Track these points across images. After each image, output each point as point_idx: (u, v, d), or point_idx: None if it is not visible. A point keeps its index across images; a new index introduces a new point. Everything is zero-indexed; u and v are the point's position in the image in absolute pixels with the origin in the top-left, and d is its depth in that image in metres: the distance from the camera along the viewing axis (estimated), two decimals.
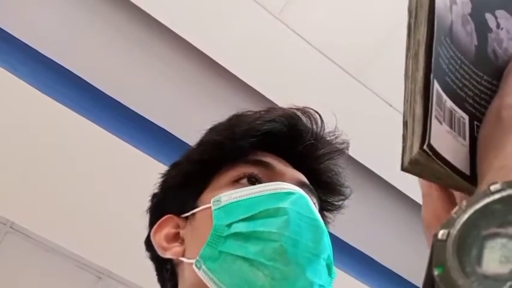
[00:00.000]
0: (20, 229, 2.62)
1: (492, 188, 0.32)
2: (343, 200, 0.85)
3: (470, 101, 0.40)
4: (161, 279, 0.80)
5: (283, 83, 1.84)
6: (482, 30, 0.41)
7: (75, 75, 1.69)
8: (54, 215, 2.49)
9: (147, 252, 0.81)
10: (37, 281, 2.65)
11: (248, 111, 0.82)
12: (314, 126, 0.81)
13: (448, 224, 0.31)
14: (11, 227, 2.61)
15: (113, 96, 1.73)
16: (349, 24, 1.82)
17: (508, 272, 0.28)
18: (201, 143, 0.81)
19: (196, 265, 0.69)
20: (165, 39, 1.79)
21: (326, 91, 1.83)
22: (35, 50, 1.65)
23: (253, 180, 0.75)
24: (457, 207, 0.32)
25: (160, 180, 0.83)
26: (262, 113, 0.80)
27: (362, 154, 1.84)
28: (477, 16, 0.42)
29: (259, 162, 0.77)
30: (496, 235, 0.29)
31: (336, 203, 0.84)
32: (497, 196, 0.31)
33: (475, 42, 0.41)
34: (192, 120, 1.81)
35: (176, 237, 0.76)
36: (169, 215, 0.78)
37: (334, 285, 0.74)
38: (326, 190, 0.83)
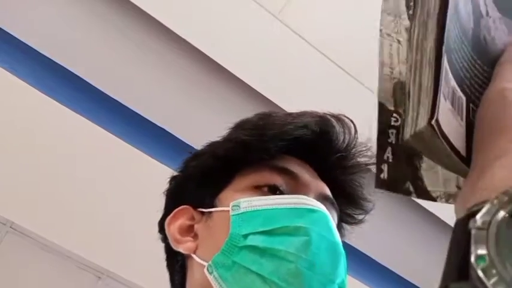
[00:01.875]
0: (20, 229, 2.61)
1: None
2: (365, 214, 0.82)
3: (468, 82, 0.39)
4: (170, 268, 0.79)
5: (283, 83, 1.84)
6: (476, 14, 0.41)
7: (76, 75, 1.69)
8: (54, 215, 2.50)
9: (158, 234, 0.79)
10: (37, 280, 2.65)
11: (278, 112, 0.79)
12: (347, 136, 0.78)
13: (488, 213, 0.30)
14: (11, 227, 2.61)
15: (113, 97, 1.73)
16: (349, 24, 1.82)
17: None
18: (228, 140, 0.78)
19: (208, 269, 0.68)
20: (164, 39, 1.79)
21: (326, 91, 1.83)
22: (34, 50, 1.65)
23: (275, 190, 0.73)
24: (496, 195, 0.31)
25: (181, 165, 0.81)
26: (294, 116, 0.77)
27: None
28: None
29: (284, 171, 0.74)
30: None
31: (355, 216, 0.82)
32: None
33: (472, 24, 0.40)
34: (192, 120, 1.81)
35: (190, 230, 0.75)
36: (185, 206, 0.77)
37: None
38: (349, 202, 0.80)
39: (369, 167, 0.80)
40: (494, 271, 0.28)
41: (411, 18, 0.39)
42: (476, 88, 0.40)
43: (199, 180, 0.77)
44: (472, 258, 0.29)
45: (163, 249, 0.79)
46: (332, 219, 0.72)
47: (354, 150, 0.79)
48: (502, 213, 0.29)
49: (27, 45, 1.65)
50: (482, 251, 0.29)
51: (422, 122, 0.36)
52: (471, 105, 0.39)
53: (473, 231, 0.30)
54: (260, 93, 1.83)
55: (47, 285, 2.68)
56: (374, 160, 0.77)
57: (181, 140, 1.72)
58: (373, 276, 2.07)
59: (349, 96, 1.84)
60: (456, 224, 0.32)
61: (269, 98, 1.81)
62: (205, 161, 0.78)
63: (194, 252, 0.72)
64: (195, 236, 0.74)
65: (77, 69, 1.70)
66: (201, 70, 1.84)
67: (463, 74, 0.39)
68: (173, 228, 0.76)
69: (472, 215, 0.31)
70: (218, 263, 0.68)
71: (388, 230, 2.07)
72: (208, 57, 1.81)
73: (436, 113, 0.35)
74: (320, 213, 0.70)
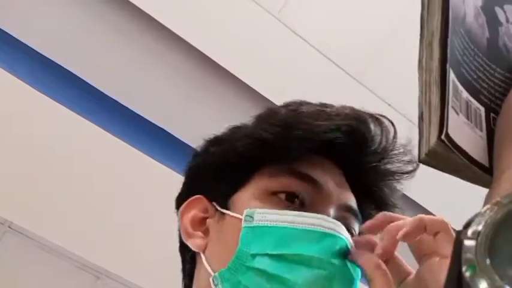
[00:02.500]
0: (19, 229, 2.61)
1: None
2: None
3: (485, 92, 0.39)
4: (182, 255, 0.77)
5: (282, 83, 1.84)
6: (493, 23, 0.41)
7: (75, 75, 1.69)
8: (52, 215, 2.49)
9: (175, 211, 0.76)
10: (35, 280, 2.65)
11: (310, 105, 0.72)
12: (384, 139, 0.71)
13: (478, 223, 0.30)
14: (9, 227, 2.61)
15: (112, 97, 1.73)
16: (349, 24, 1.82)
17: None
18: (250, 134, 0.72)
19: (213, 281, 0.66)
20: (163, 39, 1.79)
21: (325, 91, 1.83)
22: (34, 50, 1.65)
23: (293, 199, 0.68)
24: (487, 206, 0.31)
25: (202, 145, 0.76)
26: (327, 114, 0.70)
27: None
28: (488, 9, 0.41)
29: (306, 178, 0.68)
30: None
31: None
32: None
33: (487, 34, 0.40)
34: (192, 121, 1.81)
35: (202, 223, 0.72)
36: (199, 196, 0.73)
37: None
38: (377, 208, 0.75)
39: (404, 175, 0.74)
40: (483, 280, 0.28)
41: (420, 41, 0.39)
42: (497, 96, 0.40)
43: (216, 172, 0.73)
44: (463, 269, 0.29)
45: (177, 230, 0.76)
46: (350, 238, 0.67)
47: (391, 153, 0.72)
48: (490, 223, 0.30)
49: (27, 45, 1.65)
50: (471, 261, 0.29)
51: (433, 139, 0.37)
52: (492, 114, 0.39)
53: (464, 242, 0.30)
54: (259, 93, 1.83)
55: (46, 285, 2.67)
56: (412, 167, 0.72)
57: (181, 140, 1.72)
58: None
59: (348, 96, 1.84)
60: (456, 235, 0.32)
61: (268, 97, 1.81)
62: (224, 152, 0.73)
63: (203, 251, 0.70)
64: (206, 232, 0.72)
65: (76, 69, 1.70)
66: (200, 69, 1.84)
67: (478, 85, 0.39)
68: (186, 219, 0.73)
69: (466, 225, 0.31)
70: (224, 277, 0.65)
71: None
72: (208, 56, 1.81)
73: (445, 128, 0.36)
74: (337, 239, 0.65)
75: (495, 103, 0.39)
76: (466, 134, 0.37)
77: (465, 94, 0.38)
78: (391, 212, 0.73)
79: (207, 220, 0.72)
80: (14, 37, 1.63)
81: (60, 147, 2.27)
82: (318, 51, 1.83)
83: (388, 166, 0.73)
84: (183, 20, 1.79)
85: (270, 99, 1.80)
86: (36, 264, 2.64)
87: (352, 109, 0.71)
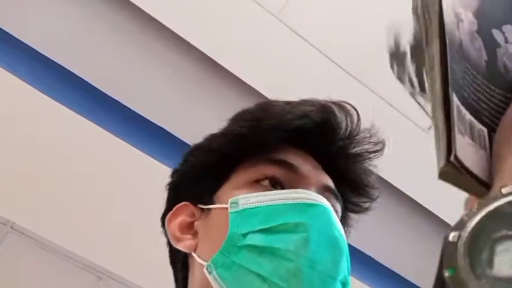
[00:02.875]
0: (21, 229, 2.62)
1: (504, 190, 0.32)
2: (371, 202, 0.80)
3: (486, 113, 0.41)
4: (173, 264, 0.78)
5: (283, 83, 1.84)
6: (491, 45, 0.42)
7: (76, 75, 1.69)
8: (54, 216, 2.50)
9: (161, 229, 0.78)
10: (37, 281, 2.66)
11: (276, 101, 0.77)
12: (349, 123, 0.75)
13: (459, 226, 0.31)
14: (11, 227, 2.61)
15: (113, 97, 1.73)
16: (349, 23, 1.82)
17: None
18: (225, 133, 0.76)
19: (207, 269, 0.67)
20: (164, 39, 1.79)
21: (326, 91, 1.82)
22: (34, 50, 1.65)
23: (274, 184, 0.71)
24: (468, 210, 0.32)
25: (182, 159, 0.79)
26: (294, 105, 0.75)
27: None
28: (484, 32, 0.42)
29: (283, 163, 0.72)
30: (507, 238, 0.29)
31: (361, 205, 0.80)
32: (508, 199, 0.31)
33: (485, 57, 0.41)
34: (193, 120, 1.81)
35: (190, 227, 0.74)
36: (185, 203, 0.75)
37: None
38: (354, 191, 0.78)
39: (373, 154, 0.77)
40: (461, 282, 0.29)
41: (424, 64, 0.41)
42: (497, 117, 0.41)
43: (198, 176, 0.76)
44: (444, 271, 0.30)
45: (166, 244, 0.78)
46: (334, 212, 0.70)
47: (357, 137, 0.76)
48: (470, 225, 0.31)
49: (27, 45, 1.65)
50: (451, 263, 0.30)
51: (442, 162, 0.38)
52: (493, 134, 0.40)
53: (446, 245, 0.31)
54: (260, 93, 1.83)
55: (48, 286, 2.68)
56: (378, 147, 0.77)
57: (182, 140, 1.72)
58: (374, 276, 2.07)
59: (349, 96, 1.84)
60: (443, 238, 0.33)
61: (269, 97, 1.81)
62: (202, 156, 0.76)
63: (194, 251, 0.71)
64: (195, 234, 0.73)
65: (76, 69, 1.70)
66: (201, 70, 1.84)
67: (479, 106, 0.40)
68: (173, 225, 0.74)
69: (451, 229, 0.32)
70: (217, 263, 0.67)
71: (389, 230, 2.07)
72: (208, 57, 1.81)
73: (453, 150, 0.37)
74: (320, 208, 0.69)
75: (495, 123, 0.41)
76: (473, 155, 0.38)
77: (468, 116, 0.39)
78: (368, 193, 0.78)
79: (195, 223, 0.74)
80: (14, 37, 1.63)
81: (62, 148, 2.28)
82: (319, 51, 1.83)
83: (357, 149, 0.76)
84: (183, 20, 1.79)
85: (271, 99, 1.80)
86: (38, 264, 2.64)
87: (317, 100, 0.76)
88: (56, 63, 1.67)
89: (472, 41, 0.41)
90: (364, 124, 0.77)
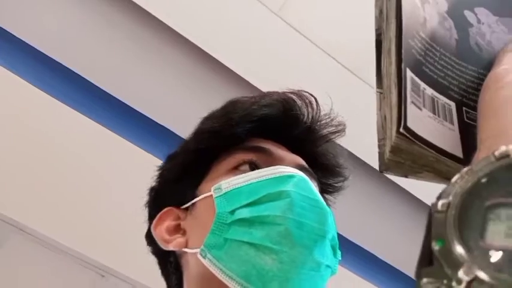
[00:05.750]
0: (24, 228, 2.62)
1: (497, 153, 0.28)
2: (343, 181, 0.84)
3: (456, 89, 0.41)
4: (165, 273, 0.79)
5: (283, 80, 1.84)
6: (462, 25, 0.44)
7: (77, 74, 1.69)
8: (57, 214, 2.50)
9: (148, 247, 0.80)
10: (41, 279, 2.66)
11: (243, 97, 0.82)
12: (310, 110, 0.81)
13: (448, 193, 0.29)
14: (15, 226, 2.62)
15: (114, 95, 1.74)
16: (349, 20, 1.83)
17: None
18: (197, 132, 0.81)
19: (201, 254, 0.68)
20: (163, 36, 1.80)
21: (326, 87, 1.83)
22: (35, 48, 1.66)
23: (252, 167, 0.74)
24: (458, 175, 0.29)
25: (157, 173, 0.83)
26: (257, 98, 0.80)
27: (363, 151, 1.85)
28: (455, 13, 0.44)
29: (258, 149, 0.76)
30: (500, 205, 0.27)
31: (335, 185, 0.84)
32: (503, 163, 0.28)
33: (455, 36, 0.43)
34: (194, 119, 1.82)
35: (177, 229, 0.76)
36: (168, 208, 0.78)
37: (333, 280, 0.73)
38: (325, 172, 0.82)
39: (336, 134, 0.82)
40: (451, 254, 0.27)
41: (382, 53, 0.42)
42: (470, 92, 0.42)
43: (178, 180, 0.78)
44: (433, 243, 0.28)
45: (156, 258, 0.80)
46: (312, 182, 0.74)
47: (319, 122, 0.81)
48: (459, 193, 0.28)
49: (28, 44, 1.65)
50: (440, 235, 0.28)
51: (393, 134, 0.38)
52: (465, 108, 0.41)
53: (434, 215, 0.28)
54: (261, 90, 1.84)
55: (51, 284, 2.68)
56: (340, 128, 0.81)
57: (182, 137, 1.73)
58: (368, 267, 2.07)
59: (349, 92, 1.85)
60: (429, 208, 0.31)
61: None
62: (180, 158, 0.80)
63: (186, 247, 0.73)
64: (184, 232, 0.75)
65: (77, 67, 1.70)
66: (201, 67, 1.84)
67: (447, 82, 0.41)
68: (160, 230, 0.76)
69: (438, 197, 0.30)
70: (210, 245, 0.68)
71: (384, 222, 2.07)
72: (208, 54, 1.82)
73: (403, 121, 0.37)
74: (299, 177, 0.72)
75: (468, 98, 0.41)
76: (433, 127, 0.38)
77: (430, 91, 0.39)
78: (339, 172, 0.82)
79: (181, 224, 0.76)
80: (15, 36, 1.64)
81: (64, 146, 2.28)
82: (319, 47, 1.84)
83: (320, 132, 0.82)
84: (182, 17, 1.79)
85: None
86: (41, 262, 2.65)
87: (279, 91, 0.82)
88: (55, 61, 1.67)
89: (441, 22, 0.42)
90: (324, 109, 0.82)
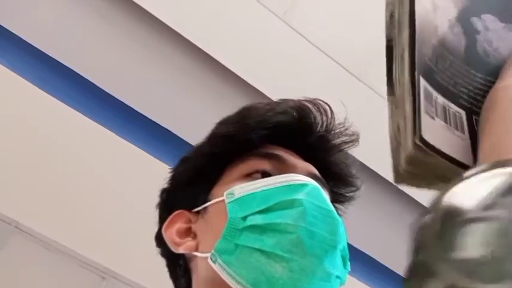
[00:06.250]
0: (25, 229, 2.62)
1: (467, 173, 0.32)
2: (354, 191, 0.84)
3: (465, 97, 0.41)
4: (174, 275, 0.79)
5: (287, 84, 1.84)
6: (470, 32, 0.44)
7: (78, 74, 1.69)
8: (59, 215, 2.50)
9: (158, 248, 0.80)
10: (41, 280, 2.66)
11: (258, 103, 0.82)
12: (324, 118, 0.81)
13: (428, 210, 0.31)
14: (16, 227, 2.62)
15: (116, 97, 1.74)
16: (353, 26, 1.83)
17: (485, 256, 0.28)
18: (212, 136, 0.81)
19: (211, 258, 0.68)
20: (167, 39, 1.80)
21: (329, 91, 1.83)
22: (35, 47, 1.66)
23: (265, 175, 0.74)
24: (438, 193, 0.32)
25: (169, 175, 0.83)
26: (272, 105, 0.80)
27: (364, 154, 1.85)
28: (464, 20, 0.44)
29: (271, 156, 0.76)
30: (475, 220, 0.29)
31: (347, 195, 0.84)
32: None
33: (464, 43, 0.43)
34: (195, 121, 1.82)
35: (188, 232, 0.76)
36: (179, 211, 0.78)
37: None
38: (337, 182, 0.82)
39: (349, 144, 0.83)
40: (430, 265, 0.29)
41: (393, 61, 0.41)
42: (479, 100, 0.42)
43: (190, 183, 0.79)
44: (414, 255, 0.31)
45: (165, 260, 0.80)
46: (324, 191, 0.74)
47: (333, 131, 0.82)
48: (440, 209, 0.31)
49: (28, 43, 1.65)
50: (420, 248, 0.30)
51: (409, 145, 0.38)
52: (474, 116, 0.41)
53: (417, 230, 0.31)
54: (265, 95, 1.84)
55: (51, 285, 2.68)
56: (353, 137, 0.82)
57: (183, 140, 1.73)
58: (368, 271, 2.07)
59: (353, 97, 1.85)
60: (414, 222, 0.33)
61: (272, 98, 1.81)
62: (194, 162, 0.80)
63: (196, 250, 0.73)
64: (194, 236, 0.75)
65: (76, 66, 1.70)
66: (205, 71, 1.84)
67: (457, 90, 0.41)
68: (170, 232, 0.76)
69: (422, 213, 0.32)
70: (221, 250, 0.68)
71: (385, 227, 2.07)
72: (213, 58, 1.82)
73: (418, 132, 0.37)
74: (311, 186, 0.72)
75: (477, 106, 0.41)
76: (445, 137, 0.38)
77: (441, 99, 0.39)
78: (351, 182, 0.83)
79: (192, 227, 0.76)
80: (15, 34, 1.64)
81: (66, 147, 2.28)
82: (323, 52, 1.84)
83: (334, 141, 0.82)
84: (187, 21, 1.79)
85: (275, 100, 1.81)
86: (42, 264, 2.65)
87: (292, 99, 0.81)
88: (56, 60, 1.67)
89: (452, 28, 0.43)
90: (338, 118, 0.82)
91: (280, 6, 1.80)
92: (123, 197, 2.42)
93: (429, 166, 0.38)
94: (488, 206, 0.29)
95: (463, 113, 0.41)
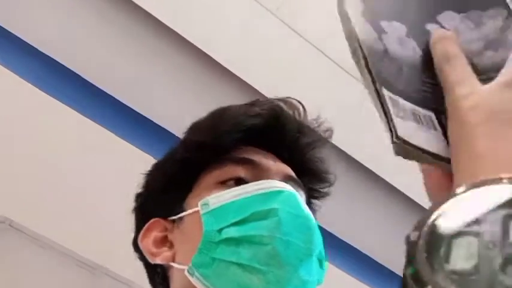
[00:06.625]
0: (19, 227, 2.62)
1: (457, 190, 0.34)
2: (329, 186, 0.85)
3: (432, 98, 0.44)
4: (153, 283, 0.79)
5: (280, 80, 1.84)
6: (427, 40, 0.46)
7: (75, 73, 1.69)
8: (52, 213, 2.50)
9: (135, 253, 0.80)
10: (35, 277, 2.66)
11: (231, 105, 0.81)
12: (297, 117, 0.81)
13: (419, 226, 0.33)
14: (9, 225, 2.62)
15: (113, 95, 1.74)
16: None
17: (472, 267, 0.30)
18: (184, 143, 0.80)
19: (189, 271, 0.69)
20: (161, 35, 1.79)
21: (322, 87, 1.83)
22: (34, 47, 1.65)
23: (239, 182, 0.74)
24: (428, 210, 0.34)
25: (143, 180, 0.82)
26: (245, 107, 0.79)
27: (359, 152, 1.85)
28: (416, 32, 0.46)
29: (245, 161, 0.75)
30: (463, 234, 0.31)
31: (321, 190, 0.85)
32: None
33: (420, 53, 0.45)
34: (193, 119, 1.82)
35: (164, 241, 0.76)
36: (155, 219, 0.77)
37: (325, 281, 0.74)
38: (312, 178, 0.83)
39: (322, 141, 0.83)
40: (421, 277, 0.31)
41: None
42: (442, 101, 0.44)
43: (164, 190, 0.78)
44: (406, 269, 0.32)
45: (143, 266, 0.80)
46: (299, 196, 0.74)
47: (306, 129, 0.81)
48: (429, 224, 0.33)
49: (27, 43, 1.65)
50: (411, 262, 0.32)
51: (391, 143, 0.41)
52: (442, 116, 0.43)
53: (408, 245, 0.33)
54: (257, 90, 1.84)
55: (44, 282, 2.68)
56: (327, 134, 0.82)
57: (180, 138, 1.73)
58: (361, 267, 2.08)
59: (345, 92, 1.85)
60: (406, 238, 0.35)
61: (266, 95, 1.82)
62: (166, 169, 0.79)
63: (173, 261, 0.73)
64: (171, 245, 0.75)
65: (75, 66, 1.70)
66: (198, 67, 1.84)
67: (422, 95, 0.44)
68: (146, 242, 0.76)
69: (414, 228, 0.34)
70: (198, 263, 0.68)
71: (378, 223, 2.08)
72: (205, 53, 1.82)
73: (394, 132, 0.41)
74: (286, 193, 0.72)
75: (443, 105, 0.43)
76: (422, 135, 0.41)
77: (409, 105, 0.42)
78: (326, 178, 0.83)
79: (168, 236, 0.76)
80: (15, 35, 1.63)
81: (59, 145, 2.28)
82: (315, 47, 1.84)
83: (308, 139, 0.81)
84: (180, 16, 1.79)
85: (268, 96, 1.81)
86: (35, 261, 2.64)
87: (266, 100, 0.81)
88: (55, 60, 1.67)
89: (402, 44, 0.45)
90: (311, 115, 0.82)
91: (272, 2, 1.80)
92: (116, 194, 2.41)
93: (412, 155, 0.41)
94: (475, 221, 0.31)
95: (432, 114, 0.43)
